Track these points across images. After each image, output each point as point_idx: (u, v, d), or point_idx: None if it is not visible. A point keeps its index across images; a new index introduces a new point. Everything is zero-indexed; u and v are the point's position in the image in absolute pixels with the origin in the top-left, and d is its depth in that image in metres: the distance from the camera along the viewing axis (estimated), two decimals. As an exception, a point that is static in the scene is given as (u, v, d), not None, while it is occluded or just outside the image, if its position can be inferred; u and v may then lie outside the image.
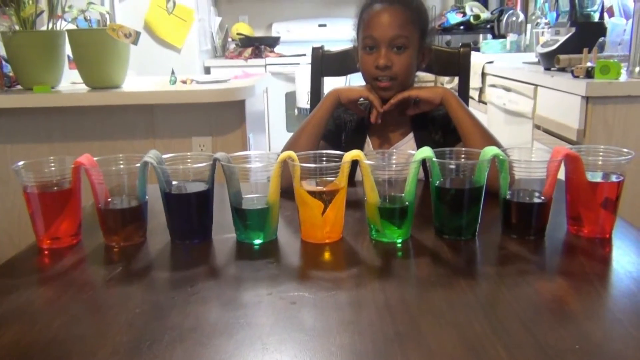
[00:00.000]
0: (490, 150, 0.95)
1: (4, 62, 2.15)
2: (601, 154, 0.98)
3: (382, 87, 1.31)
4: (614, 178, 0.96)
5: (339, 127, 1.42)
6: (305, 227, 0.97)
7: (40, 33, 2.10)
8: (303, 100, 3.76)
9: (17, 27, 2.05)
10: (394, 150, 1.05)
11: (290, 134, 1.36)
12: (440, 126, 1.38)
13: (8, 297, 0.79)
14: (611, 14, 2.67)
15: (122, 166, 0.99)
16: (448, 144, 1.28)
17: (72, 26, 2.17)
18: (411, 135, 1.38)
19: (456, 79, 1.66)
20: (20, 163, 0.96)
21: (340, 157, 0.96)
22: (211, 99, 2.09)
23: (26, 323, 0.72)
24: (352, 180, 1.17)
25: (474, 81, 3.01)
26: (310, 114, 1.33)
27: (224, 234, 1.00)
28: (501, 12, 3.84)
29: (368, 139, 1.40)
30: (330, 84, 1.74)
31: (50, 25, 2.10)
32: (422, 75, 1.39)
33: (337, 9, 4.57)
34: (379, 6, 1.31)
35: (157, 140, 2.16)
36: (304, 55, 3.97)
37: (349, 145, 1.10)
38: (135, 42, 2.05)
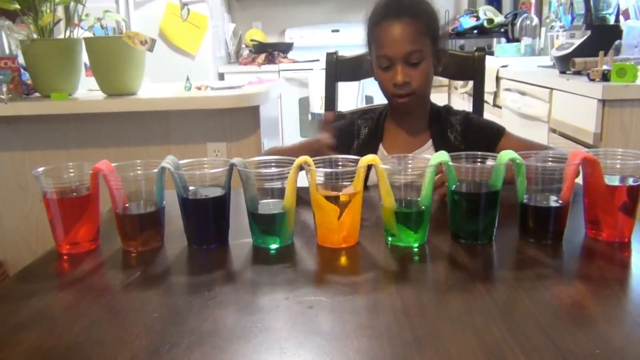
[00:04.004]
0: (506, 154, 0.94)
1: (22, 70, 2.18)
2: (619, 157, 0.97)
3: (401, 103, 1.30)
4: (632, 181, 0.95)
5: (351, 133, 1.41)
6: (321, 232, 0.97)
7: (57, 41, 2.13)
8: (317, 105, 3.76)
9: (35, 36, 2.07)
10: (410, 155, 1.05)
11: (304, 139, 1.35)
12: (460, 133, 1.36)
13: (28, 302, 0.80)
14: (627, 17, 2.65)
15: (139, 172, 1.00)
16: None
17: (88, 34, 2.19)
18: (429, 143, 1.37)
19: (470, 83, 1.66)
20: (40, 169, 0.97)
21: (356, 161, 0.96)
22: (226, 105, 2.10)
23: (46, 328, 0.73)
24: (365, 185, 1.17)
25: (489, 85, 2.99)
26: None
27: (240, 238, 1.01)
28: (515, 16, 3.83)
29: (381, 147, 1.39)
30: (345, 89, 1.74)
31: (68, 34, 2.12)
32: (435, 78, 1.38)
33: (350, 15, 4.57)
34: (388, 22, 1.27)
35: (172, 146, 2.17)
36: (317, 60, 3.98)
37: (361, 154, 1.10)
38: (151, 49, 2.07)
